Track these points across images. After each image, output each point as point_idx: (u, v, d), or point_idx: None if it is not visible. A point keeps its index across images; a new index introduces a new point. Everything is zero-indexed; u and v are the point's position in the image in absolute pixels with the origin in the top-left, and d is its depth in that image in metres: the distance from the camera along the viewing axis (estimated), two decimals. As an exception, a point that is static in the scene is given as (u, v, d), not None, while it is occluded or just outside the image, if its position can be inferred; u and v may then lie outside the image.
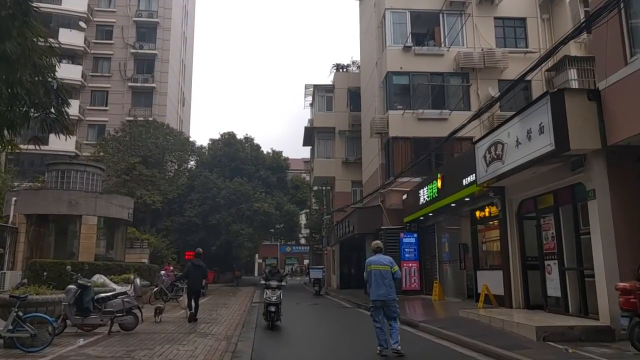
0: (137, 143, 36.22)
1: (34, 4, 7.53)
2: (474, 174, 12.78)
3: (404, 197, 20.50)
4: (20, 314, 7.74)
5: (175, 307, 17.24)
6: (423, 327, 11.23)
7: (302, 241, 54.51)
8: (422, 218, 19.27)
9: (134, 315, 10.21)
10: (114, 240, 20.03)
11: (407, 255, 20.33)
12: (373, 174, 24.63)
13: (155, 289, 18.32)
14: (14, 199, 16.86)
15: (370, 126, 22.43)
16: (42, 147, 32.92)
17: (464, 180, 13.73)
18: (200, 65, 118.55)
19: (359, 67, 32.87)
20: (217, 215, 34.11)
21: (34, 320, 7.86)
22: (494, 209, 13.44)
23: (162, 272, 20.61)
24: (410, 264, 20.23)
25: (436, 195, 16.43)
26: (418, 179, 20.32)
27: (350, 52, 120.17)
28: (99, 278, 12.81)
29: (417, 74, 21.84)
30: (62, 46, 38.56)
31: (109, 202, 17.90)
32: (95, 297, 10.05)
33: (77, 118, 39.49)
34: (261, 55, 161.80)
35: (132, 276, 10.23)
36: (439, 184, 16.06)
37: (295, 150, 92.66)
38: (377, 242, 9.12)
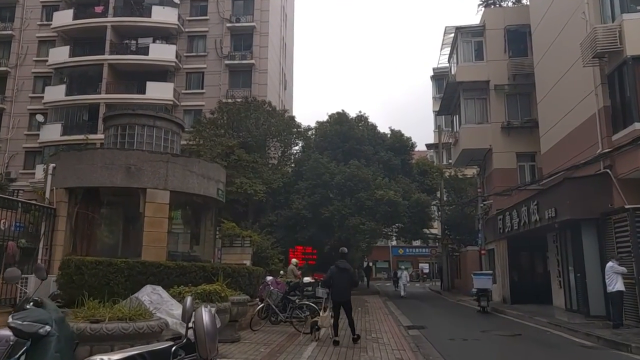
0: (235, 125, 31.00)
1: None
2: None
3: (666, 153, 11.89)
4: None
5: (292, 336, 10.42)
6: None
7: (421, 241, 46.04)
8: None
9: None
10: (200, 230, 13.86)
11: (678, 254, 11.70)
12: (572, 132, 16.15)
13: (260, 306, 11.71)
14: (52, 166, 11.28)
15: (582, 49, 14.04)
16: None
17: None
18: (301, 47, 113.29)
19: (515, 1, 24.37)
20: (330, 206, 27.37)
21: None
22: None
23: (269, 278, 14.14)
24: (687, 270, 11.56)
25: None
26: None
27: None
28: (146, 295, 6.25)
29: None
30: (155, 25, 35.12)
31: (187, 170, 11.61)
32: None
33: (171, 103, 35.42)
34: (369, 34, 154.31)
35: (187, 298, 3.04)
36: None
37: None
38: None
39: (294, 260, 18.53)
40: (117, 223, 13.17)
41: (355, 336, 9.88)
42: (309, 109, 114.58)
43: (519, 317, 15.77)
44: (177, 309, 6.52)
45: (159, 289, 6.72)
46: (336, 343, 9.58)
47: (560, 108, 17.41)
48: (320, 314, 10.23)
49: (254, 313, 11.29)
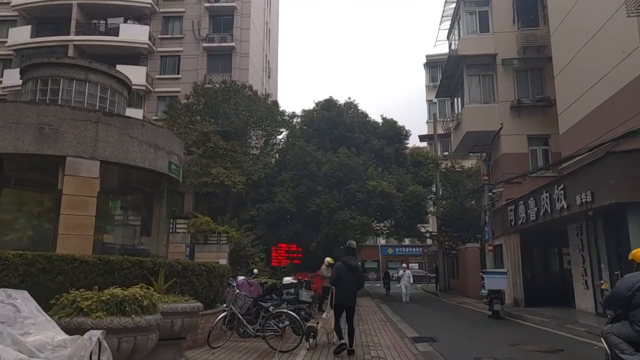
0: (212, 110, 28.12)
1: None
2: None
3: None
4: None
5: (263, 356, 7.64)
6: None
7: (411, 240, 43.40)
8: None
9: None
10: (151, 218, 10.91)
11: None
12: (604, 104, 13.62)
13: (222, 315, 8.86)
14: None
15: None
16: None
17: None
18: (288, 41, 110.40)
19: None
20: (317, 199, 24.59)
21: None
22: None
23: (240, 278, 11.40)
24: None
25: None
26: None
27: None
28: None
29: None
30: (127, 4, 32.27)
31: (127, 134, 8.63)
32: None
33: (144, 89, 32.34)
34: (360, 30, 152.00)
35: None
36: None
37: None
38: None
39: (327, 259, 15.76)
40: (40, 206, 10.22)
41: (352, 349, 8.13)
42: (296, 104, 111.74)
43: (543, 324, 13.14)
44: (43, 331, 3.70)
45: (21, 296, 3.91)
46: (343, 347, 7.91)
47: (584, 79, 14.87)
48: (322, 316, 8.46)
49: (213, 325, 8.45)
